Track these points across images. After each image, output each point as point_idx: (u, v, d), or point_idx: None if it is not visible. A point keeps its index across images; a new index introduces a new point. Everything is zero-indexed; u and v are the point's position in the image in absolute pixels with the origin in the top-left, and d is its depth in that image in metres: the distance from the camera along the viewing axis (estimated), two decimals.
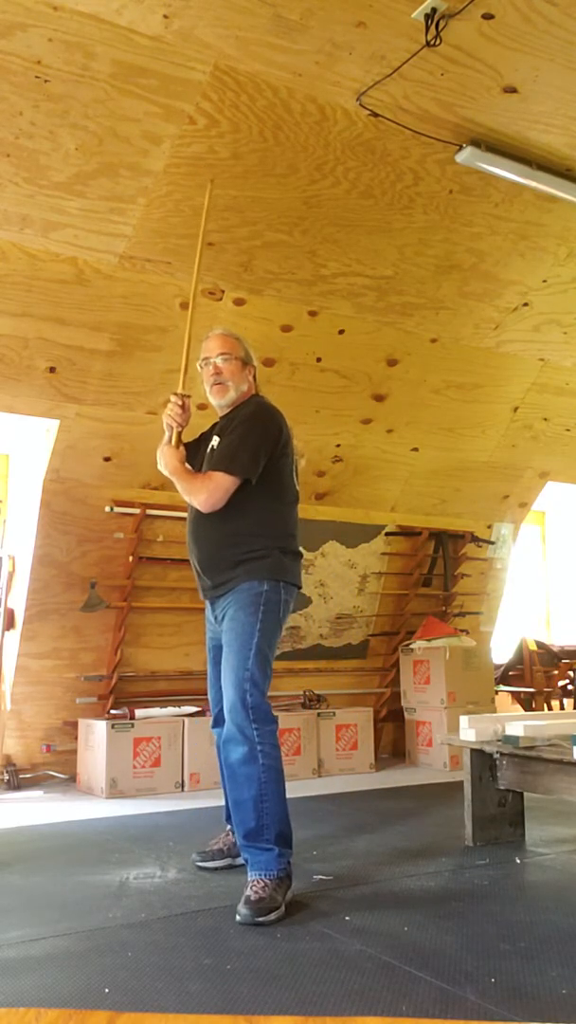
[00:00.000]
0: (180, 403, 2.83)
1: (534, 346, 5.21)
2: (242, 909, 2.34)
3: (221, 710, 2.69)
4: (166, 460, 2.81)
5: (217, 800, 4.15)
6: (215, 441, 2.84)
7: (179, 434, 2.85)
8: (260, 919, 2.31)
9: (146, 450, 4.61)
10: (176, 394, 2.85)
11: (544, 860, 3.00)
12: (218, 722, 2.84)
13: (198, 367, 2.93)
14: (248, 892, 2.39)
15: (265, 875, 2.44)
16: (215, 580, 2.75)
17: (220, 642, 2.75)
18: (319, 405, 4.89)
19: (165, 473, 2.82)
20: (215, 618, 2.81)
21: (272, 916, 2.33)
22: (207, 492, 2.67)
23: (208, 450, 2.87)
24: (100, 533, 4.67)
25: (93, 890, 2.66)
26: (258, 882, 2.42)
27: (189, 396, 2.87)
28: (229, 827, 2.95)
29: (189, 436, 2.99)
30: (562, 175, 3.94)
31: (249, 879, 2.45)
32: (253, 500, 2.71)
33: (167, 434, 2.86)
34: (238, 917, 2.33)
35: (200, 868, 2.89)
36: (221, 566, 2.72)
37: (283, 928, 2.27)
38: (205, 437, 2.98)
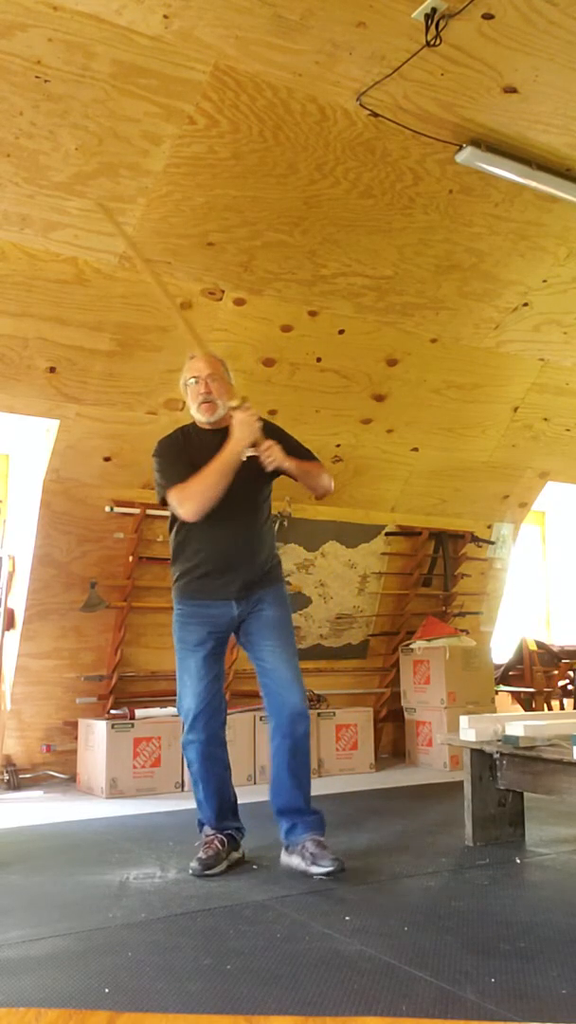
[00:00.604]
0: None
1: (534, 346, 5.21)
2: (325, 863, 2.72)
3: (213, 711, 2.94)
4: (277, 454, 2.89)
5: None
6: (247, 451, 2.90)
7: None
8: (342, 871, 2.71)
9: (146, 450, 4.60)
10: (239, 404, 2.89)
11: (544, 860, 3.00)
12: (204, 726, 2.93)
13: (182, 385, 3.07)
14: (323, 850, 2.77)
15: (322, 832, 2.87)
16: (254, 578, 3.00)
17: (225, 638, 3.04)
18: (319, 405, 4.89)
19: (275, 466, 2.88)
20: (239, 614, 3.00)
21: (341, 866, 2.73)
22: (329, 478, 3.05)
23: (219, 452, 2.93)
24: (100, 533, 4.67)
25: (93, 890, 2.66)
26: (321, 839, 2.83)
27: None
28: (215, 829, 2.95)
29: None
30: (562, 175, 3.94)
31: (312, 838, 2.81)
32: (269, 507, 3.11)
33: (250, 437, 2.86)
34: (320, 871, 2.70)
35: (206, 876, 2.80)
36: (263, 564, 3.03)
37: (283, 928, 2.27)
38: (200, 445, 2.98)
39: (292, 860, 2.83)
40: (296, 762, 2.89)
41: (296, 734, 2.88)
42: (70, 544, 4.62)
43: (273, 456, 2.84)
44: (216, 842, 2.92)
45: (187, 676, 3.00)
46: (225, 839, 2.94)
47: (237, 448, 2.81)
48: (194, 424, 3.08)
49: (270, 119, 3.50)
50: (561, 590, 7.56)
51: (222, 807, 3.00)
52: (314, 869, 2.73)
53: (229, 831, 2.99)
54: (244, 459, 2.86)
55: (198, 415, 3.03)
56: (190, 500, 2.85)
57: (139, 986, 1.89)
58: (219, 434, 2.93)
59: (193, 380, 3.00)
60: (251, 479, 2.94)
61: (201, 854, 2.87)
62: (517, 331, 5.04)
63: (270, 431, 2.96)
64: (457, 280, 4.57)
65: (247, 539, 3.00)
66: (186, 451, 2.99)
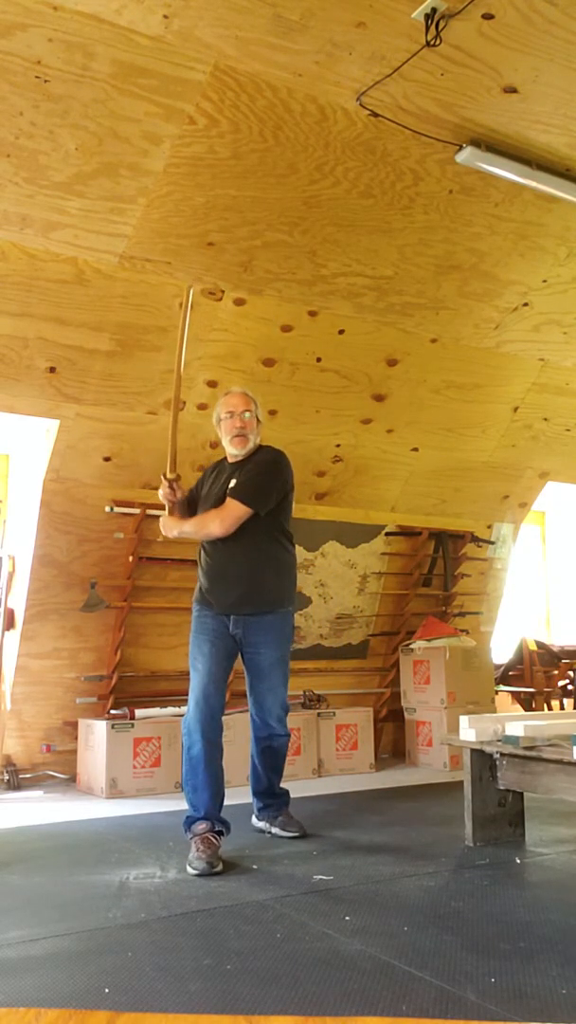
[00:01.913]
0: (169, 486, 3.34)
1: (534, 346, 5.21)
2: (291, 828, 3.36)
3: (216, 703, 3.19)
4: (169, 528, 3.36)
5: None
6: (233, 482, 3.30)
7: (171, 506, 3.39)
8: (297, 834, 3.34)
9: (146, 450, 4.62)
10: (166, 478, 3.35)
11: (544, 860, 3.00)
12: (210, 715, 3.16)
13: (216, 419, 3.42)
14: (287, 819, 3.41)
15: (287, 808, 3.48)
16: (248, 599, 3.25)
17: (230, 646, 3.29)
18: (319, 405, 4.89)
19: (173, 535, 3.37)
20: (236, 633, 3.28)
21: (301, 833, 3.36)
22: (221, 519, 3.21)
23: (226, 485, 3.31)
24: (100, 533, 4.67)
25: (93, 890, 2.66)
26: (288, 812, 3.45)
27: (178, 478, 3.37)
28: (205, 824, 3.01)
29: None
30: (562, 175, 3.94)
31: (283, 813, 3.44)
32: (267, 534, 3.30)
33: (166, 507, 3.41)
34: (287, 833, 3.34)
35: (213, 875, 2.82)
36: (261, 586, 3.25)
37: (283, 928, 2.27)
38: (217, 475, 3.42)
39: (262, 824, 3.45)
40: (272, 762, 3.42)
41: (272, 745, 3.39)
42: (70, 544, 4.62)
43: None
44: (211, 838, 2.94)
45: (195, 661, 3.25)
46: (216, 835, 2.98)
47: (166, 521, 3.40)
48: (225, 458, 3.46)
49: (270, 119, 3.50)
50: (561, 590, 7.56)
51: (218, 795, 3.08)
52: (288, 827, 3.36)
53: (219, 828, 3.02)
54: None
55: (230, 448, 3.37)
56: (165, 527, 3.41)
57: (139, 986, 1.90)
58: (235, 467, 3.34)
59: (228, 415, 3.35)
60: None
61: (202, 854, 2.86)
62: (517, 331, 5.04)
63: (245, 468, 3.31)
64: (457, 280, 4.57)
65: (243, 558, 3.23)
66: (208, 479, 3.46)
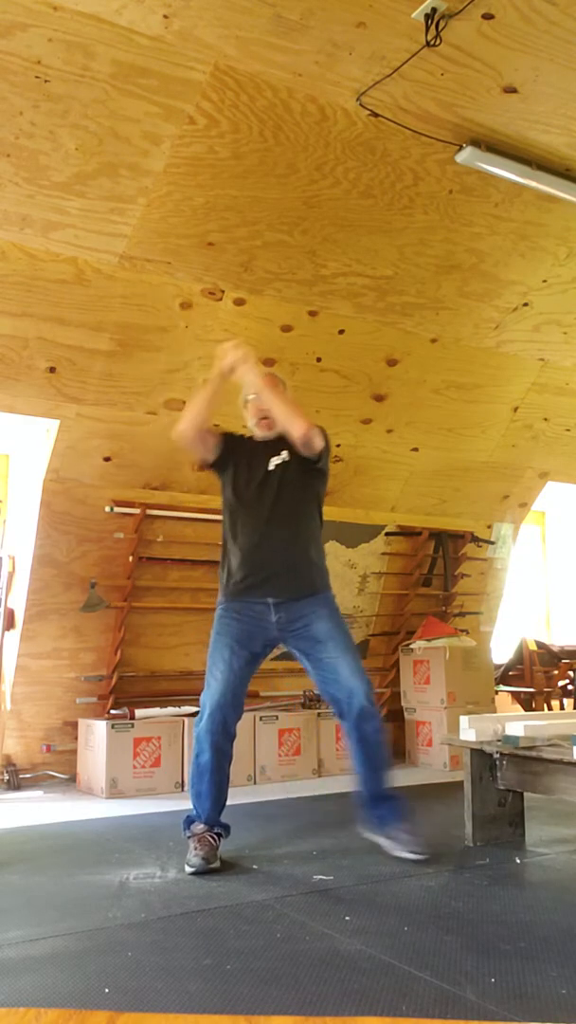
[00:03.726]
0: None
1: (534, 346, 5.21)
2: (412, 846, 2.91)
3: (232, 706, 2.99)
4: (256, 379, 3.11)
5: None
6: (281, 456, 3.15)
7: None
8: (421, 854, 2.89)
9: (146, 450, 4.62)
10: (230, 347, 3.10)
11: (544, 860, 3.00)
12: (222, 719, 2.97)
13: (242, 401, 3.26)
14: (403, 835, 2.94)
15: (406, 818, 2.99)
16: (291, 584, 3.07)
17: (262, 638, 3.08)
18: (319, 405, 4.89)
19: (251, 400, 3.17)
20: (277, 620, 3.05)
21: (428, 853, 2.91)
22: (313, 430, 3.02)
23: (272, 468, 3.15)
24: (100, 533, 4.67)
25: (93, 890, 2.66)
26: (409, 826, 2.98)
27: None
28: (205, 826, 2.95)
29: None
30: (562, 175, 3.94)
31: (398, 826, 2.97)
32: (319, 515, 3.21)
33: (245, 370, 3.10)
34: (409, 854, 2.89)
35: (209, 872, 2.82)
36: (303, 572, 3.10)
37: (283, 928, 2.27)
38: (251, 454, 3.23)
39: (378, 839, 3.02)
40: (377, 758, 3.01)
41: (366, 733, 2.98)
42: (70, 544, 4.62)
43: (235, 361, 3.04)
44: (209, 838, 2.92)
45: (214, 667, 3.04)
46: (215, 836, 2.95)
47: (220, 369, 3.07)
48: (251, 436, 3.29)
49: (270, 119, 3.50)
50: (561, 590, 7.56)
51: (220, 802, 3.01)
52: (408, 846, 2.92)
53: (218, 830, 2.99)
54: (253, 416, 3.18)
55: (256, 430, 3.24)
56: (180, 419, 3.15)
57: (139, 986, 1.89)
58: (270, 445, 3.19)
59: (254, 396, 3.19)
60: (291, 484, 3.12)
61: (199, 851, 2.86)
62: (517, 331, 5.04)
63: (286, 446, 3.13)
64: (457, 280, 4.57)
65: (284, 544, 3.09)
66: (241, 445, 3.25)
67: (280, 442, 3.16)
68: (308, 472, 3.14)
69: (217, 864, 2.85)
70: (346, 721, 3.00)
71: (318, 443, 3.05)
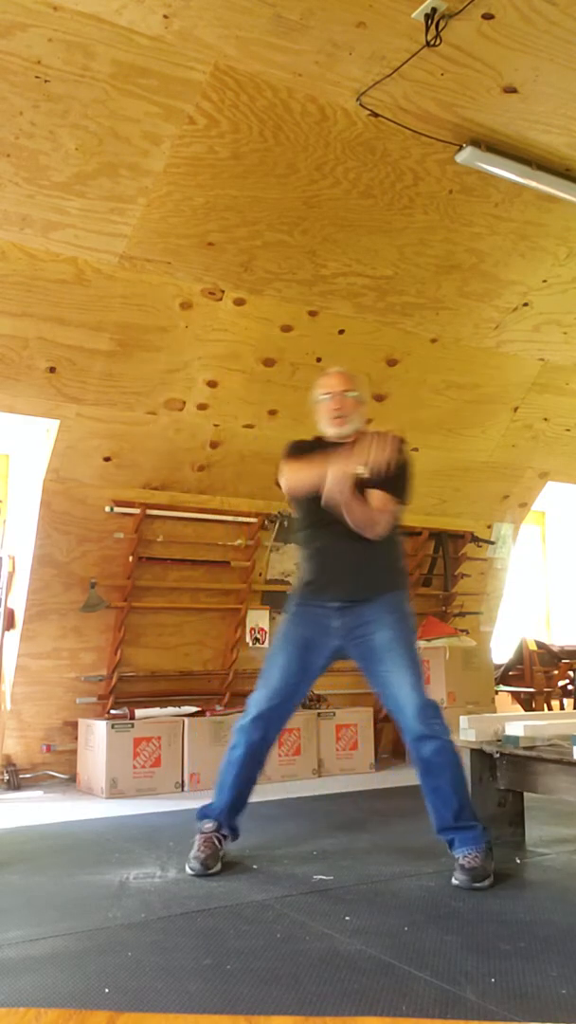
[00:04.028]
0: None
1: (534, 346, 5.20)
2: (460, 875, 2.66)
3: (280, 713, 2.92)
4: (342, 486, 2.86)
5: None
6: (359, 469, 2.87)
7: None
8: (476, 884, 2.63)
9: (146, 450, 4.62)
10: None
11: (544, 860, 3.00)
12: (266, 724, 2.91)
13: (314, 400, 3.18)
14: (462, 862, 2.70)
15: (475, 848, 2.73)
16: (357, 588, 2.94)
17: (323, 644, 2.94)
18: None
19: (333, 493, 2.86)
20: (342, 624, 2.93)
21: (486, 883, 2.65)
22: (387, 520, 2.96)
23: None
24: (100, 533, 4.67)
25: (93, 890, 2.65)
26: (470, 854, 2.71)
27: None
28: (213, 824, 2.92)
29: None
30: (562, 175, 3.94)
31: (460, 853, 2.73)
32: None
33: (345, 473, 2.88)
34: (456, 882, 2.66)
35: (207, 876, 2.80)
36: (371, 576, 2.95)
37: (283, 928, 2.27)
38: (325, 452, 3.04)
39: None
40: (434, 780, 2.80)
41: (422, 754, 2.80)
42: (70, 544, 4.62)
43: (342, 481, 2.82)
44: (214, 840, 2.90)
45: (269, 668, 2.97)
46: (220, 839, 2.92)
47: (331, 485, 2.81)
48: (321, 437, 3.18)
49: (270, 119, 3.50)
50: (561, 590, 7.56)
51: (239, 801, 2.96)
52: (457, 875, 2.69)
53: (226, 831, 2.95)
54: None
55: (328, 430, 3.14)
56: (284, 477, 3.04)
57: (139, 986, 1.89)
58: (341, 450, 2.99)
59: (326, 396, 3.13)
60: (364, 489, 2.96)
61: (200, 854, 2.85)
62: (517, 331, 5.04)
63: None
64: (457, 280, 4.57)
65: (352, 547, 2.95)
66: (310, 452, 3.09)
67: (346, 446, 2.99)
68: (384, 485, 2.97)
69: (216, 868, 2.83)
70: (407, 742, 2.86)
71: (388, 524, 2.96)
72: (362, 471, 2.85)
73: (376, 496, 2.94)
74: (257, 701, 2.93)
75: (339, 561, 2.97)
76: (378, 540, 2.96)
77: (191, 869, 2.82)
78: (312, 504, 2.99)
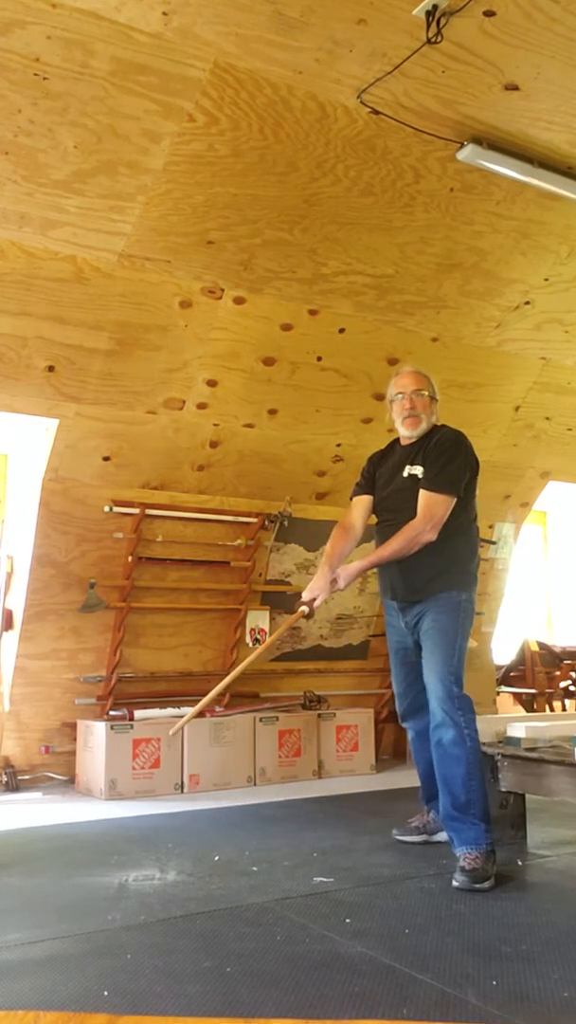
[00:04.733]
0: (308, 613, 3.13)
1: (536, 345, 5.19)
2: (459, 876, 2.66)
3: (416, 708, 3.16)
4: (355, 574, 3.10)
5: (216, 802, 4.15)
6: (416, 469, 3.10)
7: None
8: (477, 886, 2.62)
9: (146, 450, 4.61)
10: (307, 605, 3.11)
11: (546, 862, 2.99)
12: (413, 722, 3.24)
13: (388, 401, 3.27)
14: (462, 863, 2.69)
15: (476, 848, 2.73)
16: (414, 584, 3.03)
17: (408, 644, 3.13)
18: (319, 404, 4.88)
19: (368, 569, 3.13)
20: (405, 623, 3.10)
21: (486, 885, 2.64)
22: (432, 523, 2.96)
23: (406, 476, 3.12)
24: (99, 533, 4.65)
25: (92, 892, 2.64)
26: (470, 855, 2.71)
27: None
28: (426, 807, 3.24)
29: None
30: (564, 173, 3.92)
31: (460, 852, 2.74)
32: (455, 516, 3.03)
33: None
34: (455, 883, 2.64)
35: (399, 842, 3.22)
36: (428, 571, 3.00)
37: (283, 931, 2.26)
38: (390, 460, 3.27)
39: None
40: (447, 768, 2.85)
41: (440, 741, 2.87)
42: (69, 544, 4.60)
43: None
44: (423, 817, 3.28)
45: (392, 679, 3.33)
46: (430, 820, 3.24)
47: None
48: (398, 439, 3.29)
49: (270, 116, 3.49)
50: (563, 590, 7.55)
51: (430, 790, 3.18)
52: (456, 875, 2.69)
53: (433, 815, 3.23)
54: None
55: (402, 429, 3.22)
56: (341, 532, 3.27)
57: (138, 988, 1.88)
58: (411, 450, 3.16)
59: (400, 396, 3.20)
60: (412, 488, 3.06)
61: (407, 823, 3.30)
62: (518, 330, 5.02)
63: (423, 453, 3.10)
64: (458, 279, 4.56)
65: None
66: (382, 464, 3.30)
67: (420, 450, 3.13)
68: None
69: (416, 839, 3.24)
70: (430, 729, 2.95)
71: (440, 520, 2.99)
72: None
73: (422, 498, 3.02)
74: (398, 705, 3.28)
75: (396, 564, 3.05)
76: (441, 541, 2.97)
77: (398, 830, 3.30)
78: (381, 506, 3.21)
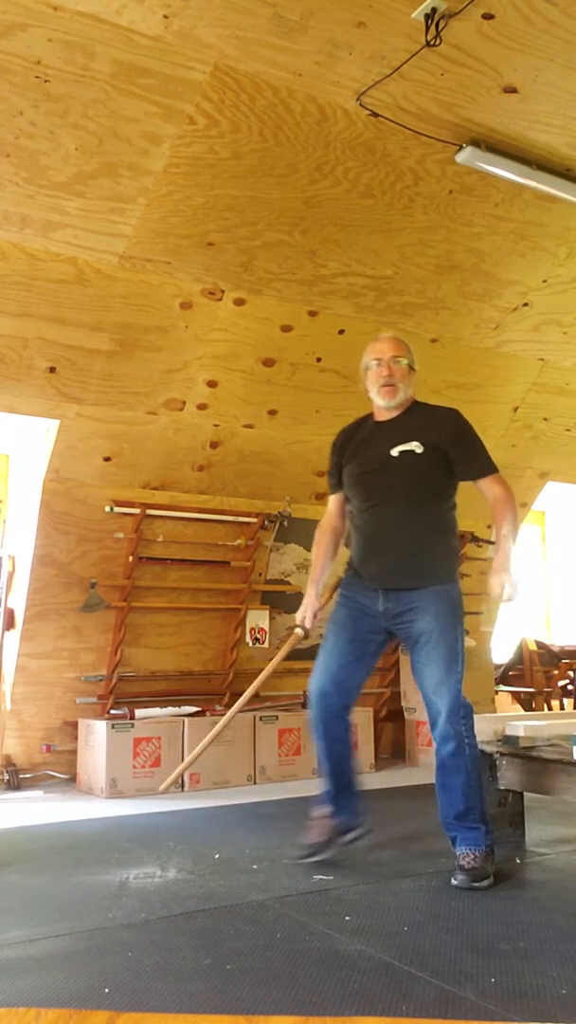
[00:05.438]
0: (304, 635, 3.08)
1: (534, 346, 5.20)
2: (459, 875, 2.65)
3: (338, 693, 2.90)
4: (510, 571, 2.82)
5: (216, 800, 4.16)
6: (411, 445, 2.86)
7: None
8: (476, 884, 2.62)
9: (146, 450, 4.62)
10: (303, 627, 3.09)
11: (544, 860, 3.00)
12: (325, 706, 2.92)
13: (363, 368, 3.02)
14: (462, 862, 2.68)
15: (475, 849, 2.71)
16: (400, 571, 2.84)
17: (377, 629, 2.90)
18: (319, 405, 4.89)
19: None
20: (386, 609, 2.85)
21: (484, 883, 2.63)
22: (511, 496, 2.92)
23: (397, 454, 2.87)
24: (100, 533, 4.66)
25: (93, 890, 2.65)
26: (469, 854, 2.70)
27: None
28: (323, 812, 2.98)
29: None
30: (562, 175, 3.94)
31: (460, 852, 2.72)
32: (448, 501, 2.92)
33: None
34: (455, 882, 2.64)
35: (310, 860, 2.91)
36: (417, 557, 2.83)
37: (283, 928, 2.27)
38: (365, 437, 3.00)
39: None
40: (445, 778, 2.77)
41: (440, 753, 2.77)
42: (70, 544, 4.62)
43: None
44: (324, 825, 2.95)
45: (322, 653, 2.96)
46: (333, 826, 2.95)
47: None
48: (371, 414, 3.04)
49: (270, 119, 3.50)
50: (561, 590, 7.56)
51: (340, 787, 2.99)
52: (456, 874, 2.67)
53: (339, 820, 2.96)
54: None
55: (378, 399, 2.96)
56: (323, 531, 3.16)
57: (139, 986, 1.89)
58: (390, 425, 2.93)
59: (375, 363, 2.96)
60: (409, 465, 2.85)
61: (306, 838, 2.94)
62: (517, 331, 5.04)
63: (414, 430, 2.89)
64: (457, 280, 4.57)
65: (397, 526, 2.85)
66: (349, 443, 3.01)
67: (405, 426, 2.91)
68: (443, 464, 2.89)
69: (325, 855, 2.90)
70: (434, 737, 2.80)
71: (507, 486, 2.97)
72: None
73: (485, 486, 2.93)
74: (312, 686, 2.93)
75: (384, 548, 2.86)
76: (426, 524, 2.84)
77: (300, 854, 2.92)
78: (360, 486, 2.93)
